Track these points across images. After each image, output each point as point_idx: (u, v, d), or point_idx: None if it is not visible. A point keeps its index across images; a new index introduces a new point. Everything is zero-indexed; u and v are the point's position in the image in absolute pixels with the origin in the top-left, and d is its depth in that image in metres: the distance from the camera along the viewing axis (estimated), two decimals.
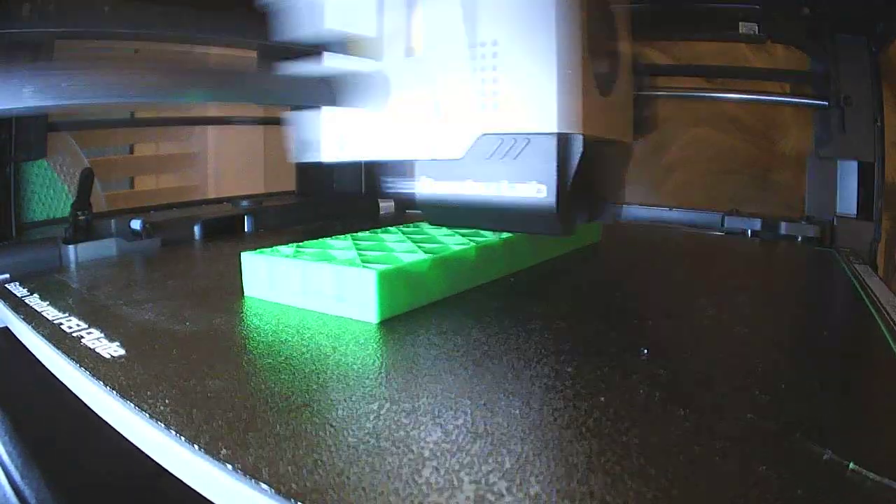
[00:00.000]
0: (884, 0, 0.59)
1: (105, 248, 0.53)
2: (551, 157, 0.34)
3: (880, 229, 0.65)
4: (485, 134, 0.36)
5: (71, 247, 0.51)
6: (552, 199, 0.34)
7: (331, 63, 0.41)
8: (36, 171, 0.66)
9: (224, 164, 1.19)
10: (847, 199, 0.66)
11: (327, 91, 0.40)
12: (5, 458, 0.31)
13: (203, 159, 1.19)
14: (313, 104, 0.42)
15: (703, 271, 0.50)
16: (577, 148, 0.34)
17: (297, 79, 0.40)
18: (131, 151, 1.16)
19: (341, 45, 0.41)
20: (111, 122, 0.89)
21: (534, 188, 0.35)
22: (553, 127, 0.34)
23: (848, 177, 0.66)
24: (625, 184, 0.48)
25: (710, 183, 0.92)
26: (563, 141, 0.34)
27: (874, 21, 0.63)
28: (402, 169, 0.41)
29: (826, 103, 0.66)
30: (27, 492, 0.30)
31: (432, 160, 0.39)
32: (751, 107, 0.88)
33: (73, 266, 0.50)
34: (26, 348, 0.33)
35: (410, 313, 0.34)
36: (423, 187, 0.39)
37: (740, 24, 0.68)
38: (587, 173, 0.36)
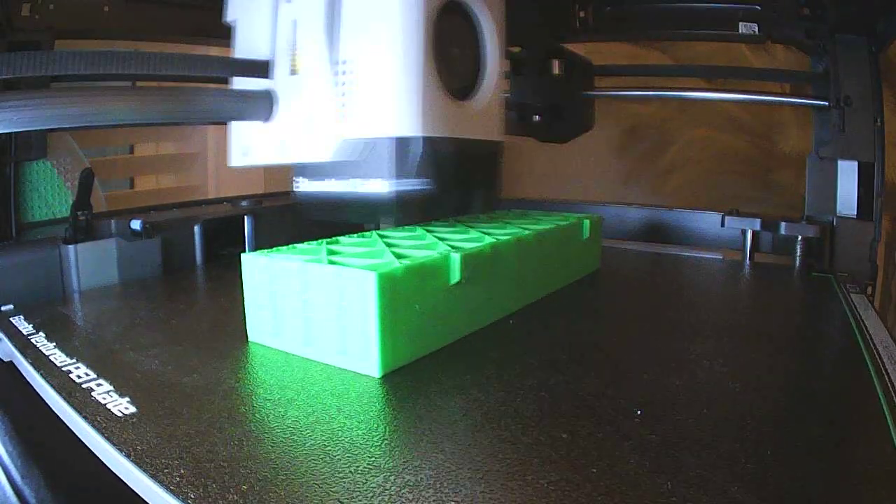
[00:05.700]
0: (884, 0, 0.59)
1: (105, 248, 0.53)
2: (391, 157, 0.39)
3: (880, 229, 0.65)
4: (344, 139, 0.40)
5: (71, 247, 0.50)
6: (392, 191, 0.39)
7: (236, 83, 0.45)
8: (36, 171, 0.66)
9: (224, 164, 1.19)
10: (847, 199, 0.66)
11: (237, 107, 0.42)
12: (5, 458, 0.32)
13: (203, 159, 1.19)
14: (226, 120, 0.45)
15: (698, 308, 0.49)
16: (417, 147, 0.39)
17: (217, 97, 0.42)
18: (131, 151, 1.16)
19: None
20: None
21: (381, 184, 0.40)
22: (394, 131, 0.39)
23: (848, 177, 0.66)
24: (500, 177, 0.50)
25: (710, 183, 0.92)
26: (402, 142, 0.39)
27: (874, 21, 0.62)
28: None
29: (826, 103, 0.65)
30: (27, 492, 0.31)
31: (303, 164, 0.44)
32: (751, 107, 0.88)
33: (74, 277, 0.50)
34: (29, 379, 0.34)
35: (411, 368, 0.34)
36: (301, 185, 0.45)
37: (740, 24, 0.67)
38: (442, 167, 0.41)
